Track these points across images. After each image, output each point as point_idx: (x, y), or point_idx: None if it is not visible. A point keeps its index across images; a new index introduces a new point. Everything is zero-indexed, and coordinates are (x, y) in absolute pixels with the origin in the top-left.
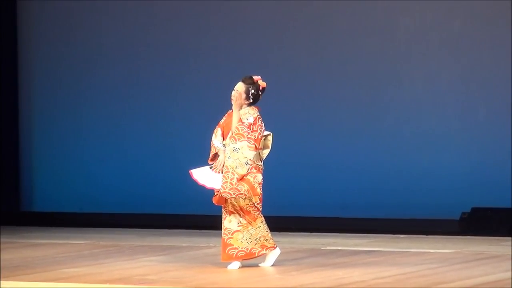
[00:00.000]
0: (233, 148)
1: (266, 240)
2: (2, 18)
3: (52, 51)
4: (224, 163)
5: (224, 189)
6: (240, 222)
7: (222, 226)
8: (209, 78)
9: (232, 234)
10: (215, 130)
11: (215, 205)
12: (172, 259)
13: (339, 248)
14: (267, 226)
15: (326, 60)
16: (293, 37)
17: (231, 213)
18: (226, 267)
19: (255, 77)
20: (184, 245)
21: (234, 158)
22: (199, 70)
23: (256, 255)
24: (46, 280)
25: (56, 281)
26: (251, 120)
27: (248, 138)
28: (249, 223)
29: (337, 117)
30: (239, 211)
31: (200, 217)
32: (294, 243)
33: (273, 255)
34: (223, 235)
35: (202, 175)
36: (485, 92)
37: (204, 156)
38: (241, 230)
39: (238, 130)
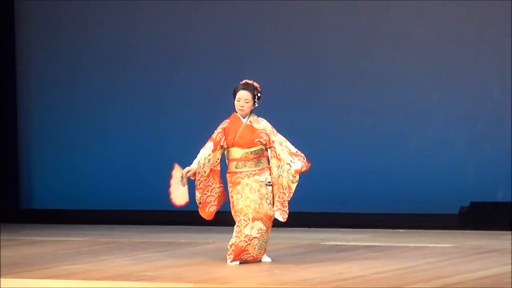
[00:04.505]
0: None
1: (266, 243)
2: (0, 18)
3: (49, 50)
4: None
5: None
6: (261, 228)
7: (240, 232)
8: (202, 78)
9: (250, 240)
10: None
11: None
12: (172, 255)
13: (339, 243)
14: None
15: (325, 60)
16: (292, 38)
17: (254, 219)
18: (226, 262)
19: (249, 81)
20: (183, 241)
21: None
22: (191, 70)
23: (259, 259)
24: (46, 277)
25: (56, 278)
26: (269, 127)
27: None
28: (267, 229)
29: (337, 112)
30: (263, 218)
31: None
32: (293, 238)
33: None
34: (241, 242)
35: (178, 195)
36: (486, 89)
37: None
38: (259, 237)
39: (290, 149)
